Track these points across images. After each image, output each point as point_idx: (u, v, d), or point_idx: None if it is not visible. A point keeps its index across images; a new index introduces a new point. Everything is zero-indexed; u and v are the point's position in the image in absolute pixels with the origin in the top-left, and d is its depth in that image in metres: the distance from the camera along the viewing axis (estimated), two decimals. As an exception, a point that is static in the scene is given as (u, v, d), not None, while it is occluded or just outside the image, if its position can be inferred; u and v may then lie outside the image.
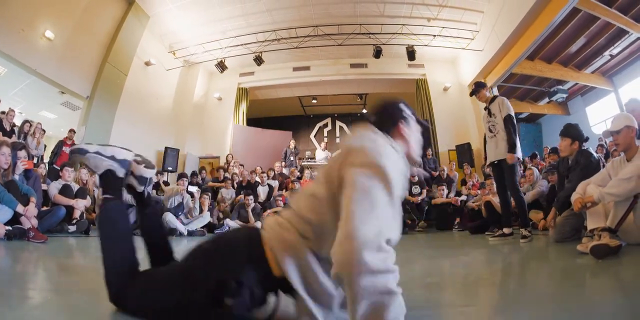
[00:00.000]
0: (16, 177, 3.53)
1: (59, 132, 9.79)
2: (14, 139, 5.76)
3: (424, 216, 6.54)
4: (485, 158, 3.93)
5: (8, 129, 5.89)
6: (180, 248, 3.55)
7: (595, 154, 3.15)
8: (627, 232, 2.18)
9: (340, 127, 14.36)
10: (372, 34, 9.10)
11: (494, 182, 4.11)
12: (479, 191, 6.27)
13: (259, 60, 9.42)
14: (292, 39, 9.31)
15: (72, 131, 7.07)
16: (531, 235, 3.41)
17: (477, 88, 3.84)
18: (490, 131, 3.72)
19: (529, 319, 1.07)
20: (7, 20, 5.98)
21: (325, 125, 14.56)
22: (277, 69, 10.78)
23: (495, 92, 9.74)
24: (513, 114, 3.56)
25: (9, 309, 1.13)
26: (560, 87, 10.70)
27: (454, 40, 9.17)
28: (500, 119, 3.58)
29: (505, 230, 3.62)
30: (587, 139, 3.25)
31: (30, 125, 6.24)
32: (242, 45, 9.45)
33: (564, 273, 1.95)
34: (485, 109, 3.84)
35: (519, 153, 3.51)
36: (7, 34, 5.99)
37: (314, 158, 10.40)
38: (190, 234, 4.94)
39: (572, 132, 3.20)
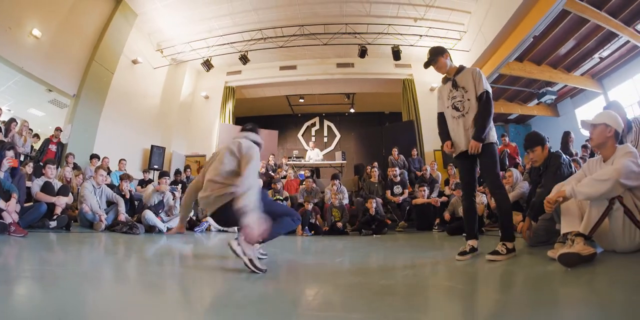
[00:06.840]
0: (1, 174, 3.63)
1: (47, 129, 9.82)
2: (1, 137, 5.80)
3: (405, 216, 6.56)
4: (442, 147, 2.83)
5: (-5, 127, 5.93)
6: (159, 245, 3.63)
7: (564, 155, 2.98)
8: (602, 237, 2.07)
9: (328, 127, 14.36)
10: (358, 33, 9.12)
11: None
12: (453, 192, 6.22)
13: (244, 59, 9.46)
14: (278, 38, 9.34)
15: (58, 129, 7.12)
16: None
17: (434, 56, 2.74)
18: (457, 110, 2.68)
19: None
20: (-7, 18, 6.01)
21: (313, 125, 14.57)
22: (263, 68, 10.81)
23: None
24: (490, 90, 2.62)
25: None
26: (550, 88, 10.66)
27: (441, 41, 9.14)
28: (473, 95, 2.61)
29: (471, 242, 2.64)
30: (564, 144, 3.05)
31: (17, 123, 6.27)
32: (228, 44, 9.48)
33: (530, 281, 1.85)
34: (445, 80, 2.82)
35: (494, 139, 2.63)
36: (-7, 32, 6.03)
37: (302, 157, 10.46)
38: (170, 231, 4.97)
39: (538, 140, 3.04)
